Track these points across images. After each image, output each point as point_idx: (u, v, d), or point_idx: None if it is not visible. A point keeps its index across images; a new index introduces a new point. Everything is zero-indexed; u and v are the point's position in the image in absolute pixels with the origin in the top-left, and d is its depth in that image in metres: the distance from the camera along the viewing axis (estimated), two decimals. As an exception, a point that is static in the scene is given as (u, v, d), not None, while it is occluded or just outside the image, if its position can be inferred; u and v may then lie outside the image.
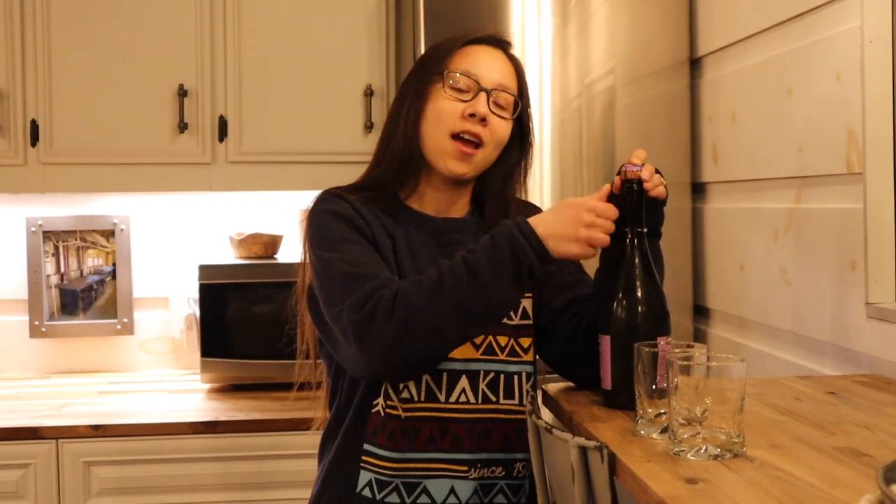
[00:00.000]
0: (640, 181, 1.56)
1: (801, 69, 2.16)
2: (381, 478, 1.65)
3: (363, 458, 1.66)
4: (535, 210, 1.79)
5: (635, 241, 1.57)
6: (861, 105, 1.92)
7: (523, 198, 1.82)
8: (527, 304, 1.72)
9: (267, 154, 2.97)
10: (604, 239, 1.55)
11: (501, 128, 1.69)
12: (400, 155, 1.69)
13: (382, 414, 1.64)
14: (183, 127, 2.91)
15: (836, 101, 2.01)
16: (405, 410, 1.64)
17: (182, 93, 2.91)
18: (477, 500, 1.68)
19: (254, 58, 2.96)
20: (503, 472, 1.69)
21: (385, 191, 1.71)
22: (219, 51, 2.94)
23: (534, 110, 2.59)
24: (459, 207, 1.77)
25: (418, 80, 1.70)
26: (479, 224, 1.76)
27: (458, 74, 1.66)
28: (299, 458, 2.55)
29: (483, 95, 1.66)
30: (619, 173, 1.59)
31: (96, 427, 2.58)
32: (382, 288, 1.55)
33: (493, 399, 1.68)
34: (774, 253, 2.29)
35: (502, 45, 1.74)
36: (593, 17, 2.67)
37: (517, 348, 1.70)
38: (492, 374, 1.68)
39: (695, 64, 2.74)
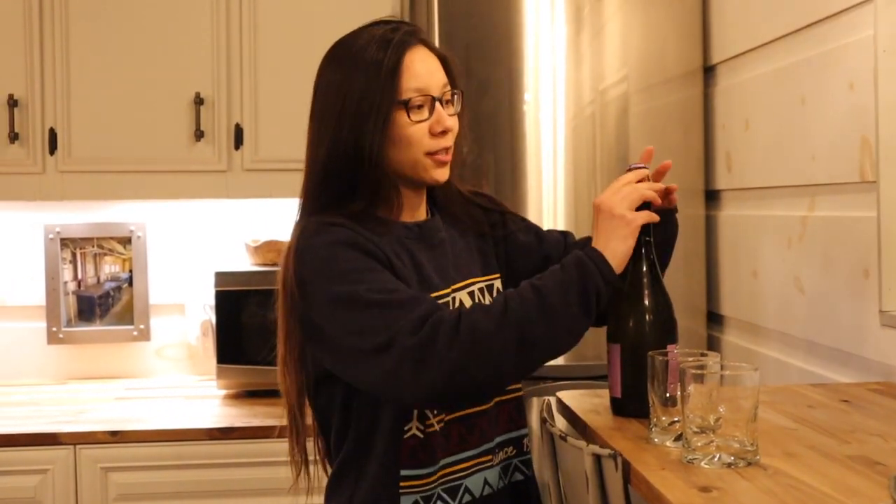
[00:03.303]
0: None
1: (814, 78, 2.16)
2: (426, 494, 1.59)
3: (402, 483, 1.59)
4: (483, 197, 1.81)
5: (642, 249, 1.58)
6: (874, 113, 1.92)
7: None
8: (499, 284, 1.72)
9: (282, 161, 2.98)
10: (646, 218, 1.54)
11: (456, 123, 1.67)
12: (377, 181, 1.62)
13: (421, 435, 1.58)
14: (199, 135, 2.93)
15: (849, 110, 2.02)
16: (439, 422, 1.60)
17: (198, 101, 2.93)
18: (502, 483, 1.68)
19: (269, 66, 2.97)
20: (514, 451, 1.71)
21: (365, 213, 1.63)
22: (234, 59, 2.96)
23: (547, 116, 2.63)
24: (424, 209, 1.74)
25: (367, 104, 1.59)
26: (442, 221, 1.74)
27: (415, 96, 1.61)
28: (315, 465, 2.56)
29: (438, 106, 1.62)
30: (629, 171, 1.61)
31: (113, 433, 2.60)
32: (439, 310, 1.47)
33: None
34: (788, 260, 2.29)
35: (422, 38, 1.67)
36: (607, 25, 2.68)
37: None
38: None
39: (708, 72, 2.75)
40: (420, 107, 1.61)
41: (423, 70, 1.63)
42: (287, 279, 1.58)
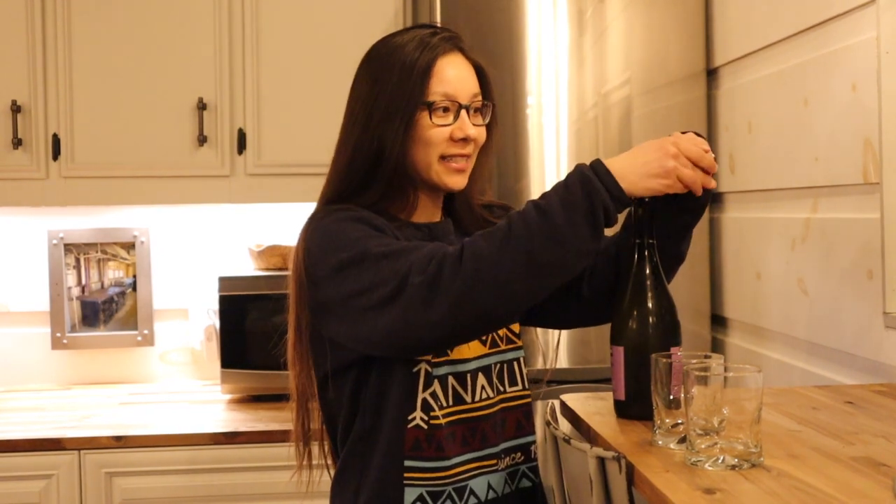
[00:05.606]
0: None
1: (817, 79, 2.16)
2: (434, 489, 1.61)
3: (406, 475, 1.61)
4: (501, 209, 1.80)
5: (646, 252, 1.58)
6: (877, 115, 1.92)
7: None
8: None
9: (285, 166, 2.99)
10: (691, 175, 1.47)
11: (481, 134, 1.69)
12: (393, 179, 1.65)
13: (426, 427, 1.60)
14: (202, 140, 2.94)
15: (852, 111, 2.02)
16: (444, 416, 1.61)
17: (201, 106, 2.93)
18: (508, 489, 1.68)
19: (272, 71, 2.98)
20: (522, 457, 1.71)
21: (375, 207, 1.66)
22: (237, 65, 2.97)
23: (550, 119, 2.63)
24: (439, 211, 1.75)
25: (396, 103, 1.62)
26: (454, 224, 1.75)
27: (440, 100, 1.63)
28: (319, 469, 2.57)
29: (463, 113, 1.64)
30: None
31: (118, 438, 2.60)
32: (444, 247, 1.49)
33: (502, 389, 1.69)
34: (791, 262, 2.29)
35: (460, 45, 1.69)
36: (609, 28, 2.68)
37: (511, 335, 1.71)
38: (499, 366, 1.69)
39: (711, 74, 2.75)
40: (445, 110, 1.64)
41: (453, 76, 1.65)
42: (297, 263, 1.61)
